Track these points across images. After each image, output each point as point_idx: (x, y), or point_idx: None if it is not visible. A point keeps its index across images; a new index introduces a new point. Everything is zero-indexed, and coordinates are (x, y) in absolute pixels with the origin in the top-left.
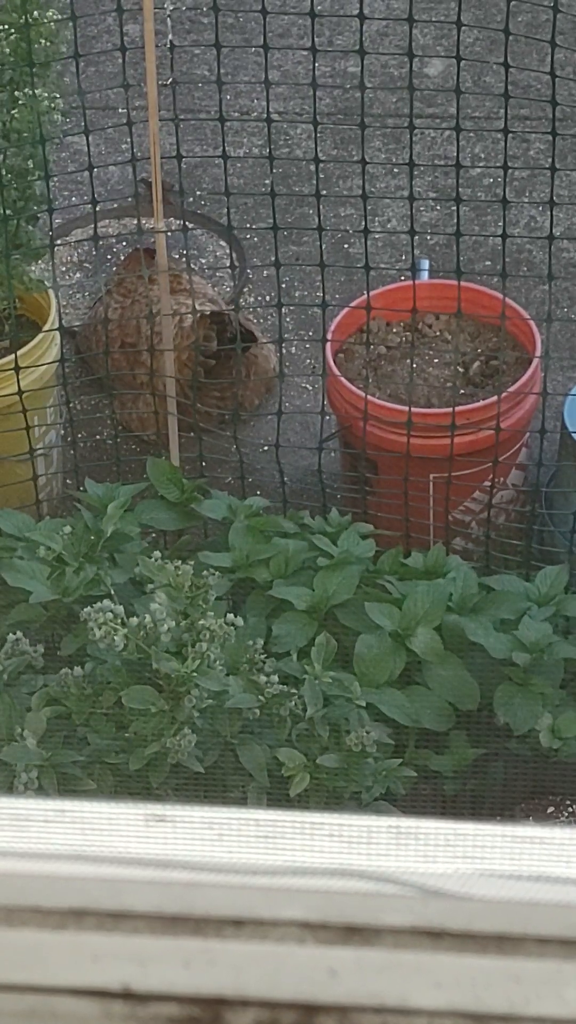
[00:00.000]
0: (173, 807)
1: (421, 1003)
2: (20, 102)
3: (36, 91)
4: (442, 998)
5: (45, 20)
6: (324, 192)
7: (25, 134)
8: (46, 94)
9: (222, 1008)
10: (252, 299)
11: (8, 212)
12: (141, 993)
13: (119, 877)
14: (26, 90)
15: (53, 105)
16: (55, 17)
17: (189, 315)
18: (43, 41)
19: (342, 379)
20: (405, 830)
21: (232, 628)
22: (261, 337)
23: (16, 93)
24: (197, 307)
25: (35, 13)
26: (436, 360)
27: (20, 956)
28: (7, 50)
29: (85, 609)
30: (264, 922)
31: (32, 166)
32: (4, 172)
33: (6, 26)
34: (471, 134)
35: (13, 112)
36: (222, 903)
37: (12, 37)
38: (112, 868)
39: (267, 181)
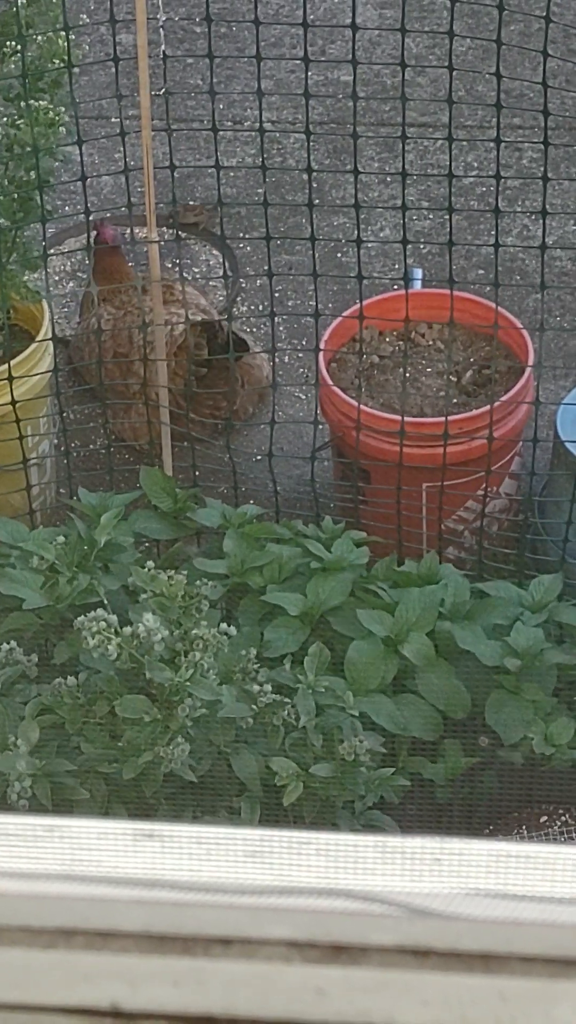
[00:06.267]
0: (161, 824)
1: (407, 1021)
2: (25, 114)
3: (41, 103)
4: (428, 1016)
5: (42, 34)
6: (317, 201)
7: (28, 148)
8: (51, 107)
9: None
10: (245, 308)
11: (7, 223)
12: (130, 1012)
13: (108, 897)
14: (31, 102)
15: (58, 119)
16: (56, 31)
17: (179, 324)
18: (55, 61)
19: (335, 388)
20: (392, 848)
21: (225, 637)
22: (253, 346)
23: (22, 104)
24: (188, 316)
25: (48, 33)
26: (429, 369)
27: (9, 975)
28: (12, 66)
29: (79, 618)
30: (252, 941)
31: (33, 178)
32: (6, 183)
33: (13, 43)
34: (464, 143)
35: (19, 123)
36: (210, 922)
37: (17, 55)
38: (101, 888)
39: (260, 190)
